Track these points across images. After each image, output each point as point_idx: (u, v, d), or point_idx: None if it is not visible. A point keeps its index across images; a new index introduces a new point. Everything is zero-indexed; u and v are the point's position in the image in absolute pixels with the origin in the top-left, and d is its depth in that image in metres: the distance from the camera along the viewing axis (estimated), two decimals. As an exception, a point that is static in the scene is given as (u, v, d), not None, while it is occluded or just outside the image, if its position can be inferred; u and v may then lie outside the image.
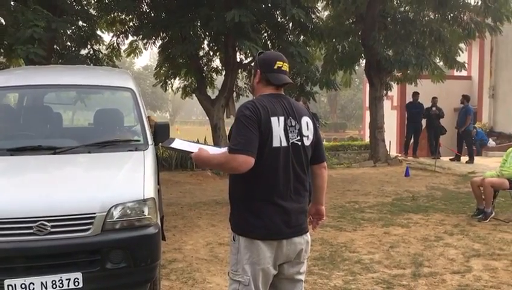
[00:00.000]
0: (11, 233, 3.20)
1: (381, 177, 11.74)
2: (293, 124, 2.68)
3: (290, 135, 2.65)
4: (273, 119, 2.60)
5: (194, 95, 14.08)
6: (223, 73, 13.76)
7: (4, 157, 3.76)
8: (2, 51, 12.12)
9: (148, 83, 52.42)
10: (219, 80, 14.45)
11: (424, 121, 14.73)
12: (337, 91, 16.14)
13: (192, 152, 2.67)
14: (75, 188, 3.50)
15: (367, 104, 17.10)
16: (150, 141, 4.18)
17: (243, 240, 2.64)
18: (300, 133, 2.71)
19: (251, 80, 2.90)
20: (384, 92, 14.68)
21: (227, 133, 2.80)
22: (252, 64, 13.29)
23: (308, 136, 2.74)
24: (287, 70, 2.78)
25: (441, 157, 14.02)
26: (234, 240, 2.69)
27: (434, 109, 14.26)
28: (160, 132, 4.33)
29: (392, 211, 7.80)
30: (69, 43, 12.49)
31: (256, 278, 2.62)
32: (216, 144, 12.57)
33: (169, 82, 14.51)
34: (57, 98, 5.01)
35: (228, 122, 14.12)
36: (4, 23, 11.47)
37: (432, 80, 14.33)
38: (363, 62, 15.48)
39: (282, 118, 2.63)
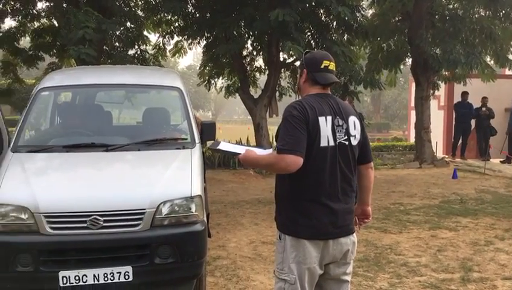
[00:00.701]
0: (66, 227, 3.34)
1: (427, 179, 11.45)
2: (341, 123, 2.67)
3: (337, 134, 2.65)
4: (321, 119, 2.60)
5: (237, 94, 14.18)
6: (266, 72, 13.79)
7: (60, 154, 3.93)
8: (54, 51, 12.63)
9: (191, 82, 53.23)
10: (262, 79, 14.49)
11: (473, 122, 14.24)
12: (380, 91, 15.83)
13: (239, 153, 2.71)
14: (126, 184, 3.62)
15: (412, 104, 16.69)
16: (197, 140, 4.26)
17: (289, 239, 2.65)
18: (347, 133, 2.70)
19: (297, 79, 2.90)
20: (431, 91, 14.28)
21: (274, 133, 2.82)
22: (296, 63, 13.35)
23: (355, 136, 2.73)
24: (334, 69, 2.78)
25: (490, 160, 13.51)
26: (280, 239, 2.71)
27: (484, 109, 13.76)
28: (207, 131, 4.41)
29: (439, 214, 7.60)
30: (117, 44, 12.84)
31: (302, 277, 2.63)
32: (258, 143, 12.63)
33: (212, 81, 14.69)
34: (107, 97, 5.19)
35: (271, 122, 14.18)
36: (57, 24, 11.95)
37: (482, 79, 13.81)
38: (409, 61, 15.11)
39: (329, 118, 2.64)
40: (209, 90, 15.32)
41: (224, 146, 2.78)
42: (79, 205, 3.35)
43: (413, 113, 15.91)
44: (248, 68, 14.07)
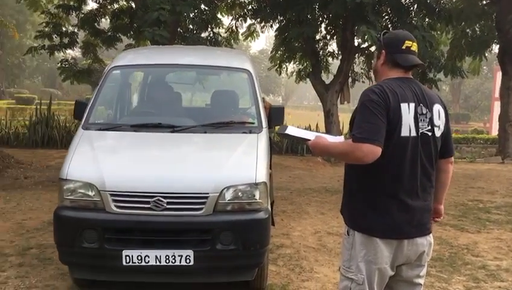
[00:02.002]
0: (130, 206, 3.33)
1: (510, 176, 10.62)
2: (424, 112, 2.40)
3: (420, 124, 2.38)
4: (403, 106, 2.34)
5: (307, 79, 13.89)
6: (339, 57, 13.38)
7: (128, 133, 3.94)
8: (132, 33, 12.97)
9: (262, 66, 53.25)
10: (334, 64, 14.08)
11: None
12: (462, 79, 14.90)
13: (309, 139, 2.51)
14: (190, 167, 3.55)
15: (496, 95, 15.60)
16: (264, 124, 4.10)
17: (359, 235, 2.44)
18: (431, 123, 2.42)
19: (374, 62, 2.64)
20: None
21: (348, 120, 2.58)
22: (371, 48, 12.81)
23: (439, 126, 2.46)
24: (416, 50, 2.50)
25: None
26: (348, 234, 2.50)
27: None
28: (275, 116, 4.24)
29: (524, 215, 6.98)
30: (191, 26, 12.96)
31: (371, 277, 2.42)
32: (328, 130, 12.32)
33: (283, 66, 14.48)
34: (177, 77, 5.17)
35: (342, 109, 13.78)
36: (134, 6, 12.24)
37: None
38: (495, 48, 14.03)
39: (412, 105, 2.37)
40: (279, 74, 15.13)
41: (292, 131, 2.60)
42: (143, 186, 3.32)
43: (497, 105, 14.84)
44: (320, 53, 13.71)
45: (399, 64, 2.46)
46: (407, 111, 2.35)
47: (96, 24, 13.01)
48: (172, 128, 3.88)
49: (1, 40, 38.99)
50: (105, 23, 14.41)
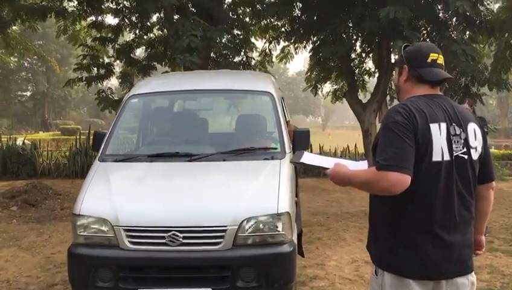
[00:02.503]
0: (144, 241, 3.17)
1: None
2: (458, 132, 2.11)
3: (454, 146, 2.09)
4: (433, 127, 2.06)
5: (344, 99, 13.57)
6: (376, 75, 13.01)
7: (144, 163, 3.80)
8: (166, 61, 13.13)
9: (301, 87, 53.06)
10: (371, 82, 13.70)
11: None
12: (509, 92, 14.13)
13: (327, 168, 2.24)
14: (207, 198, 3.36)
15: (548, 107, 14.68)
16: (288, 149, 3.86)
17: (388, 276, 2.13)
18: (466, 144, 2.12)
19: (395, 79, 2.37)
20: None
21: (373, 143, 2.31)
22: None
23: (476, 148, 2.15)
24: (443, 63, 2.23)
25: None
26: (377, 274, 2.20)
27: None
28: (300, 139, 4.00)
29: None
30: (225, 51, 12.98)
31: None
32: (367, 151, 11.91)
33: (319, 86, 14.24)
34: (197, 103, 5.02)
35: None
36: (167, 34, 12.40)
37: None
38: (544, 58, 13.24)
39: (444, 125, 2.08)
40: (315, 95, 14.90)
41: (308, 159, 2.33)
42: (157, 220, 3.15)
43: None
44: (356, 71, 13.40)
45: (425, 79, 2.18)
46: (438, 132, 2.06)
47: (131, 54, 13.25)
48: (190, 157, 3.70)
49: (47, 74, 40.80)
50: (140, 52, 14.68)
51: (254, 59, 14.04)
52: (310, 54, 13.33)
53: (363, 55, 13.32)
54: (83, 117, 51.59)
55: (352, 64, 13.11)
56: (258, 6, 13.47)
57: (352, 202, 9.32)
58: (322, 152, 13.85)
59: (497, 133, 15.82)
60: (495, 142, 30.21)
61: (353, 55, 13.10)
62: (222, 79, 5.03)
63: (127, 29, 13.36)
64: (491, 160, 2.30)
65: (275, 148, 3.88)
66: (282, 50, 14.73)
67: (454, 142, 2.09)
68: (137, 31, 13.34)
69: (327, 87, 14.97)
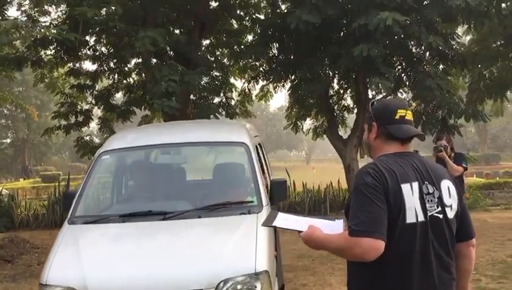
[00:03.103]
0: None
1: (550, 222, 9.86)
2: (431, 191, 2.05)
3: (427, 205, 2.03)
4: (405, 187, 2.00)
5: (325, 135, 13.63)
6: (355, 111, 13.12)
7: (116, 224, 3.66)
8: (146, 104, 13.08)
9: (283, 123, 53.38)
10: (351, 118, 13.81)
11: None
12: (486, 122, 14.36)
13: (300, 231, 2.16)
14: (181, 261, 3.22)
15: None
16: (265, 202, 3.77)
17: None
18: (441, 203, 2.06)
19: (365, 135, 2.33)
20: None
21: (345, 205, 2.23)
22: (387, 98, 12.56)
23: (451, 206, 2.09)
24: (412, 119, 2.19)
25: None
26: None
27: None
28: (277, 190, 3.91)
29: None
30: (204, 93, 13.00)
31: None
32: (350, 186, 11.88)
33: (299, 124, 14.31)
34: (168, 157, 4.93)
35: (362, 163, 13.33)
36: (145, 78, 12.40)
37: None
38: (516, 88, 13.56)
39: (415, 184, 2.02)
40: (296, 133, 14.95)
41: (281, 221, 2.25)
42: (129, 287, 2.99)
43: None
44: (335, 108, 13.51)
45: (394, 136, 2.13)
46: (410, 192, 2.00)
47: (110, 99, 13.18)
48: (164, 216, 3.58)
49: (27, 120, 40.44)
50: (119, 96, 14.64)
51: (234, 99, 14.10)
52: (289, 92, 13.47)
53: (341, 91, 13.47)
54: (64, 162, 50.94)
55: (331, 100, 13.24)
56: (235, 47, 13.69)
57: (337, 241, 9.17)
58: (305, 189, 13.76)
59: (478, 160, 15.96)
60: (476, 169, 30.54)
61: (331, 92, 13.24)
62: (196, 131, 4.94)
63: (106, 74, 13.35)
64: (469, 216, 2.23)
65: (251, 202, 3.78)
66: (262, 89, 14.84)
67: (428, 201, 2.03)
68: (115, 76, 13.35)
69: (308, 124, 15.07)
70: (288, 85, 13.30)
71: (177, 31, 12.84)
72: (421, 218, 2.00)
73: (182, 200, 3.95)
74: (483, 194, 13.78)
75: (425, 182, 2.05)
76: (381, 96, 12.08)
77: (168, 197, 4.11)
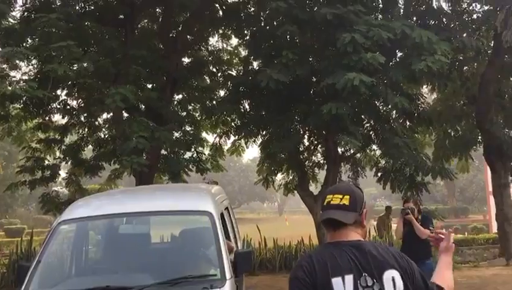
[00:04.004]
0: None
1: (518, 281, 9.91)
2: (370, 283, 1.95)
3: None
4: (335, 281, 1.93)
5: (295, 191, 13.62)
6: (325, 167, 13.23)
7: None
8: (115, 159, 12.90)
9: (256, 175, 53.41)
10: (322, 173, 13.89)
11: None
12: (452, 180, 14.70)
13: None
14: None
15: (490, 189, 15.28)
16: (228, 275, 3.65)
17: None
18: None
19: None
20: (510, 178, 12.95)
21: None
22: (356, 156, 12.74)
23: None
24: (343, 202, 2.05)
25: None
26: None
27: None
28: (241, 262, 3.81)
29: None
30: (175, 149, 12.94)
31: None
32: (321, 242, 11.77)
33: (270, 179, 14.30)
34: (130, 227, 4.80)
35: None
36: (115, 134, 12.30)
37: None
38: (480, 146, 14.00)
39: (349, 277, 1.94)
40: (267, 188, 14.90)
41: None
42: None
43: (492, 199, 14.43)
44: (306, 164, 13.60)
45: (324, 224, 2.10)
46: (342, 287, 1.91)
47: (79, 154, 12.98)
48: (123, 292, 3.42)
49: (-9, 172, 39.25)
50: (88, 150, 14.43)
51: (205, 154, 14.05)
52: (260, 147, 13.55)
53: (312, 148, 13.60)
54: (30, 214, 49.19)
55: (301, 156, 13.32)
56: (207, 102, 13.83)
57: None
58: (276, 246, 13.55)
59: (446, 216, 16.18)
60: (446, 222, 30.87)
61: (302, 148, 13.37)
62: (160, 199, 4.83)
63: (76, 128, 13.20)
64: None
65: (214, 275, 3.66)
66: (233, 143, 14.88)
67: None
68: (85, 130, 13.21)
69: (279, 178, 15.08)
70: (259, 141, 13.42)
71: (149, 86, 12.94)
72: None
73: (144, 273, 3.78)
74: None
75: (364, 274, 1.95)
76: (351, 152, 12.32)
77: (129, 269, 3.93)
